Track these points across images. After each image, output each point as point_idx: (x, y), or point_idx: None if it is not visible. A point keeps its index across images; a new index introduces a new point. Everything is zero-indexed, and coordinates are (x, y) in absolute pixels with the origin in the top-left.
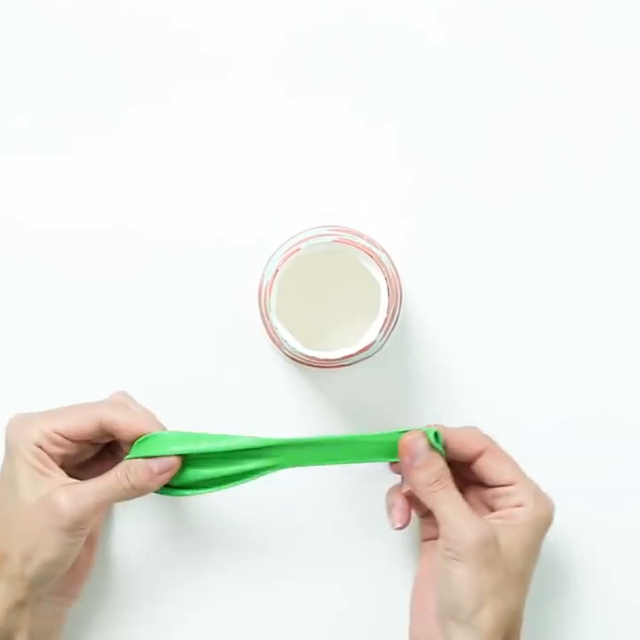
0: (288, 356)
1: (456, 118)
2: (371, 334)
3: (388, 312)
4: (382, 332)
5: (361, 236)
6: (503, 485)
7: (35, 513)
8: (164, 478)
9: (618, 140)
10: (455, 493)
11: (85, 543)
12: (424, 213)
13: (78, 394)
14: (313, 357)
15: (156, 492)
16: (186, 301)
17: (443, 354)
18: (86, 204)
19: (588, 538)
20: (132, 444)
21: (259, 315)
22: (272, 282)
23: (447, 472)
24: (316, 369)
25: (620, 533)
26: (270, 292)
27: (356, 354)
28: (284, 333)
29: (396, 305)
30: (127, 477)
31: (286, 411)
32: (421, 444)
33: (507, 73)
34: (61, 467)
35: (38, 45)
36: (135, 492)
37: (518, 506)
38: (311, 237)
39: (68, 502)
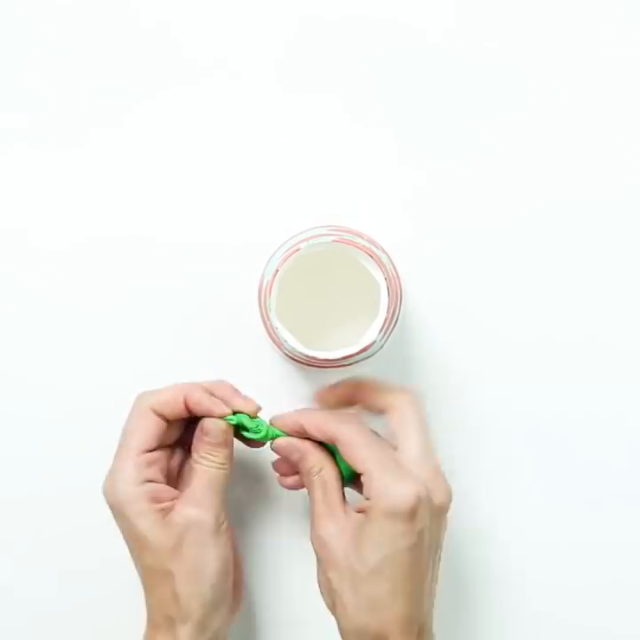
0: (288, 355)
1: (456, 118)
2: (371, 334)
3: (388, 312)
4: (382, 332)
5: (361, 236)
6: (360, 474)
7: (178, 545)
8: (229, 439)
9: (619, 139)
10: (318, 492)
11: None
12: (424, 213)
13: (78, 394)
14: (313, 357)
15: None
16: (186, 301)
17: (443, 354)
18: (86, 207)
19: (585, 534)
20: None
21: (259, 315)
22: (272, 282)
23: (315, 470)
24: (316, 369)
25: (618, 530)
26: (270, 292)
27: (356, 354)
28: (284, 333)
29: (396, 305)
30: (207, 461)
31: (286, 410)
32: (290, 448)
33: (507, 73)
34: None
35: (35, 49)
36: (226, 464)
37: (368, 498)
38: (311, 237)
39: (196, 509)
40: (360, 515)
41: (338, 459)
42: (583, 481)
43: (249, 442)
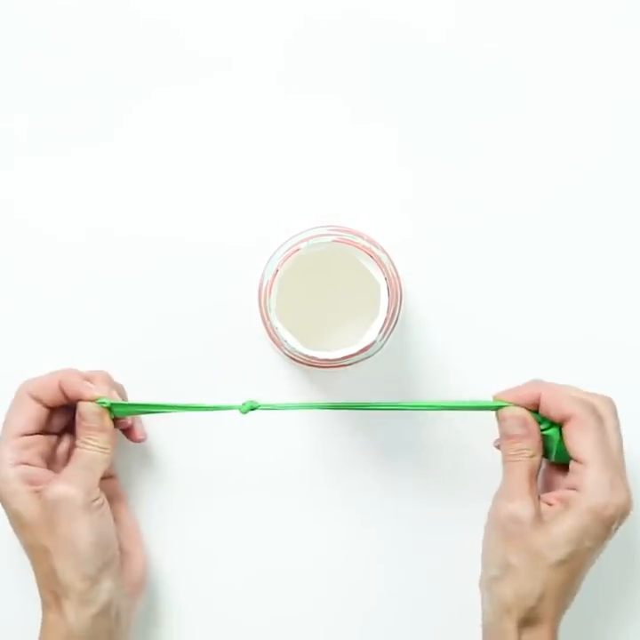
0: (288, 355)
1: (456, 118)
2: (371, 334)
3: (388, 312)
4: (382, 332)
5: (361, 236)
6: (576, 461)
7: (50, 520)
8: (106, 424)
9: (620, 139)
10: (523, 470)
11: (124, 529)
12: (424, 213)
13: None
14: (313, 357)
15: (119, 414)
16: (186, 301)
17: (443, 354)
18: (86, 206)
19: None
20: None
21: (259, 315)
22: (272, 282)
23: (528, 451)
24: (316, 369)
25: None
26: (270, 291)
27: (356, 354)
28: (284, 333)
29: (396, 305)
30: (86, 444)
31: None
32: (509, 422)
33: (507, 73)
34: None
35: (33, 50)
36: (108, 449)
37: (573, 488)
38: (311, 237)
39: (66, 485)
40: (555, 506)
41: (552, 440)
42: None
43: (126, 432)
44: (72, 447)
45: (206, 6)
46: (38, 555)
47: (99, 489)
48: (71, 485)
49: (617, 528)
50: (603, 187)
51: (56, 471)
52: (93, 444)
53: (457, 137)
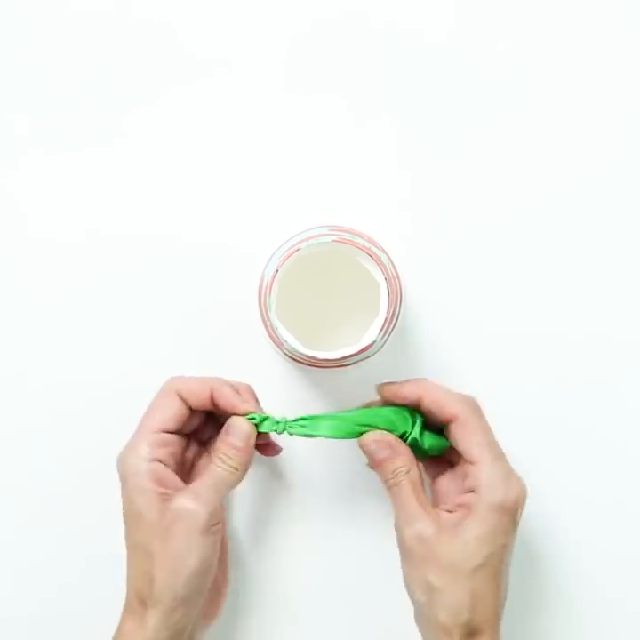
0: (288, 355)
1: (456, 119)
2: (371, 334)
3: (387, 312)
4: (382, 332)
5: (361, 236)
6: (468, 461)
7: (167, 530)
8: (251, 446)
9: (619, 137)
10: (407, 491)
11: (219, 559)
12: (424, 213)
13: (77, 393)
14: (313, 357)
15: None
16: (186, 301)
17: (442, 354)
18: (85, 207)
19: (588, 535)
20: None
21: (259, 315)
22: (272, 282)
23: (403, 468)
24: (316, 369)
25: (616, 531)
26: (270, 291)
27: (356, 354)
28: (284, 333)
29: (396, 305)
30: (222, 462)
31: (286, 411)
32: (373, 447)
33: (507, 74)
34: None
35: (35, 52)
36: (239, 470)
37: (472, 491)
38: (311, 237)
39: (194, 502)
40: (456, 513)
41: (421, 431)
42: (584, 481)
43: (263, 447)
44: (198, 455)
45: (207, 8)
46: (141, 557)
47: (220, 513)
48: (198, 503)
49: (521, 515)
50: (603, 186)
51: (180, 476)
52: (229, 463)
53: (457, 137)
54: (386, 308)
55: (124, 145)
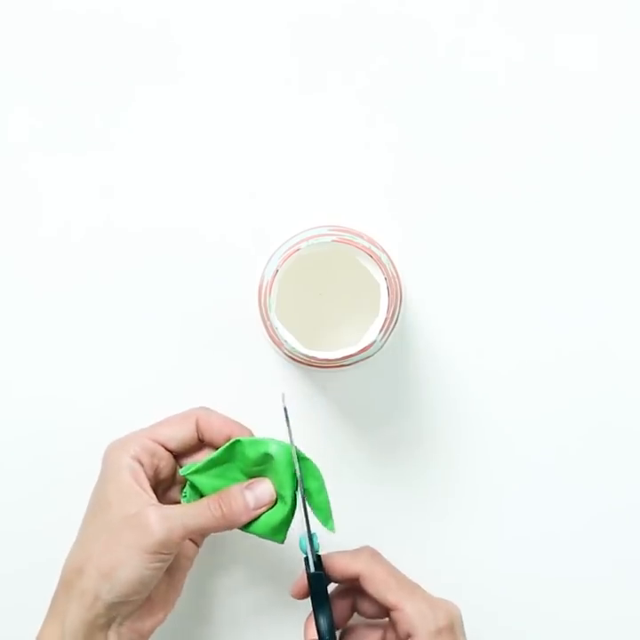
0: (288, 355)
1: (457, 120)
2: (371, 334)
3: (388, 312)
4: (382, 332)
5: (361, 236)
6: (390, 610)
7: (120, 529)
8: (257, 514)
9: (619, 136)
10: None
11: (169, 581)
12: (424, 214)
13: (76, 393)
14: (313, 357)
15: (242, 529)
16: (186, 301)
17: (442, 354)
18: (86, 206)
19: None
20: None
21: (259, 315)
22: (272, 282)
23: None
24: (316, 369)
25: (615, 536)
26: (270, 291)
27: (356, 354)
28: (284, 333)
29: (396, 305)
30: (220, 506)
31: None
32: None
33: (508, 74)
34: (153, 490)
35: (34, 49)
36: (224, 522)
37: (408, 636)
38: (311, 237)
39: (157, 521)
40: None
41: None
42: (584, 480)
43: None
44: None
45: (209, 4)
46: (83, 546)
47: (177, 546)
48: (160, 524)
49: (462, 628)
50: (604, 185)
51: (157, 492)
52: (223, 510)
53: (458, 138)
54: (386, 308)
55: (123, 145)
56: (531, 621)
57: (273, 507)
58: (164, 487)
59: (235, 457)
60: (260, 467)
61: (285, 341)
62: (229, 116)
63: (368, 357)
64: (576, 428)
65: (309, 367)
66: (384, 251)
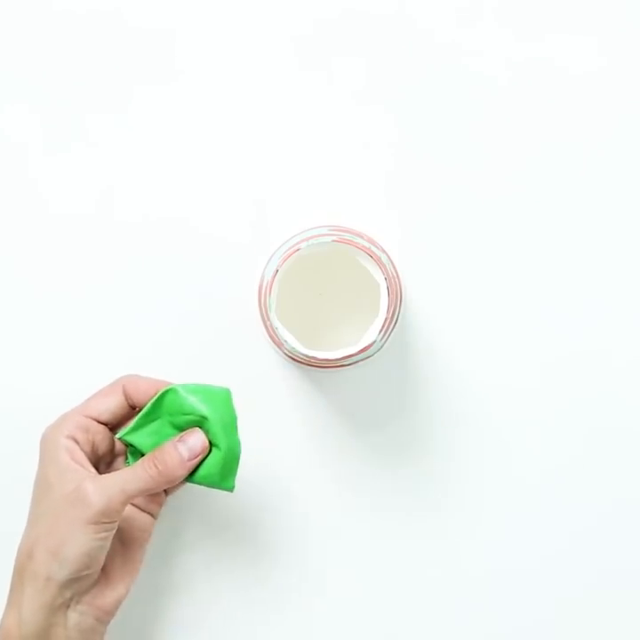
0: (288, 355)
1: (456, 119)
2: (371, 334)
3: (388, 312)
4: (382, 332)
5: (361, 236)
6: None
7: (62, 507)
8: (193, 464)
9: (619, 134)
10: None
11: (124, 553)
12: (424, 214)
13: (75, 393)
14: (313, 357)
15: (185, 480)
16: (186, 301)
17: (442, 354)
18: (84, 206)
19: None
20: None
21: (259, 315)
22: (272, 282)
23: None
24: (316, 369)
25: (611, 537)
26: (270, 291)
27: (356, 354)
28: (284, 333)
29: (396, 305)
30: (154, 465)
31: (286, 411)
32: None
33: (507, 73)
34: (94, 466)
35: (38, 43)
36: (162, 480)
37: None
38: (311, 237)
39: (94, 491)
40: None
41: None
42: (585, 479)
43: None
44: (121, 451)
45: (209, 4)
46: (31, 529)
47: (118, 513)
48: (97, 494)
49: None
50: (603, 185)
51: (95, 465)
52: (158, 468)
53: (459, 139)
54: (386, 308)
55: (121, 145)
56: (530, 618)
57: (208, 455)
58: (107, 461)
59: (165, 410)
60: (190, 416)
61: (285, 341)
62: (229, 116)
63: (368, 357)
64: (576, 427)
65: (309, 367)
66: (384, 251)
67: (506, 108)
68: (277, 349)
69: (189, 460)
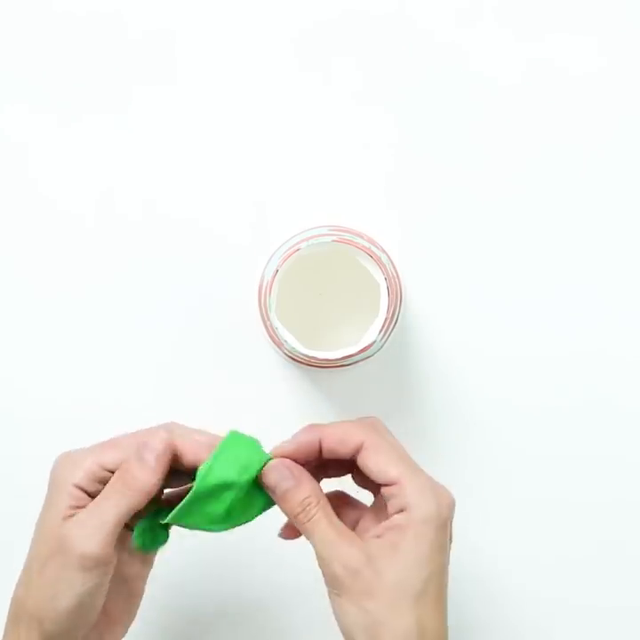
0: (288, 355)
1: (456, 120)
2: (371, 334)
3: (387, 312)
4: (382, 332)
5: (361, 236)
6: (387, 485)
7: (48, 556)
8: (161, 466)
9: (618, 133)
10: (324, 522)
11: (121, 591)
12: (424, 214)
13: (73, 393)
14: (313, 357)
15: (166, 521)
16: (186, 301)
17: (442, 354)
18: (83, 206)
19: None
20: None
21: (259, 315)
22: (272, 282)
23: (313, 499)
24: (316, 369)
25: (614, 533)
26: (270, 291)
27: (356, 354)
28: (284, 333)
29: (396, 305)
30: (119, 478)
31: (286, 411)
32: (274, 477)
33: (506, 74)
34: None
35: (42, 38)
36: (135, 492)
37: (401, 511)
38: (311, 237)
39: (75, 532)
40: (386, 537)
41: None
42: (583, 480)
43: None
44: None
45: (209, 5)
46: (25, 576)
47: (107, 551)
48: (80, 534)
49: (451, 528)
50: (602, 185)
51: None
52: (130, 485)
53: (459, 139)
54: (386, 308)
55: (120, 147)
56: (530, 615)
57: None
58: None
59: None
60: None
61: (285, 341)
62: (229, 116)
63: (368, 357)
64: (576, 426)
65: (309, 367)
66: (384, 251)
67: (506, 108)
68: (277, 349)
69: (154, 461)
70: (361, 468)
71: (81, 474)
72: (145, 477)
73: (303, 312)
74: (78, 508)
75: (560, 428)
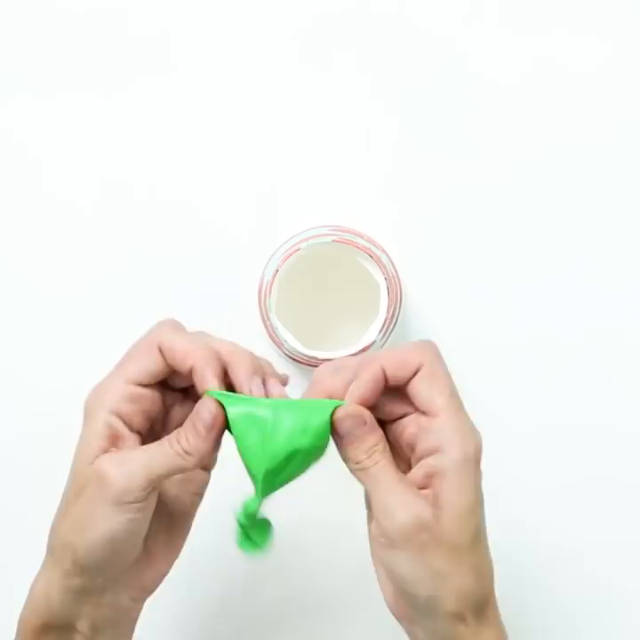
0: (288, 355)
1: (457, 119)
2: (371, 334)
3: (387, 312)
4: (382, 332)
5: (361, 236)
6: (429, 415)
7: (83, 489)
8: (214, 435)
9: (621, 135)
10: (391, 469)
11: (169, 530)
12: (424, 214)
13: (72, 392)
14: (313, 357)
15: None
16: (185, 301)
17: (442, 354)
18: (82, 203)
19: (584, 538)
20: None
21: (259, 314)
22: (272, 282)
23: (381, 446)
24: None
25: (614, 529)
26: (270, 292)
27: (356, 354)
28: (284, 333)
29: (396, 305)
30: (177, 441)
31: None
32: (348, 424)
33: (506, 73)
34: (149, 431)
35: (44, 32)
36: (190, 458)
37: (433, 452)
38: (311, 237)
39: (112, 469)
40: (430, 488)
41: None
42: (582, 480)
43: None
44: (179, 402)
45: (206, 15)
46: (62, 503)
47: (146, 493)
48: (117, 471)
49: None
50: (601, 184)
51: (153, 429)
52: (182, 445)
53: (459, 138)
54: (386, 308)
55: (119, 144)
56: (530, 611)
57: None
58: (161, 421)
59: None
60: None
61: (285, 341)
62: (229, 116)
63: None
64: (576, 425)
65: (309, 367)
66: (384, 251)
67: (506, 107)
68: (277, 349)
69: (208, 431)
70: (409, 392)
71: (112, 398)
72: (201, 446)
73: (303, 312)
74: (115, 437)
75: (560, 427)
